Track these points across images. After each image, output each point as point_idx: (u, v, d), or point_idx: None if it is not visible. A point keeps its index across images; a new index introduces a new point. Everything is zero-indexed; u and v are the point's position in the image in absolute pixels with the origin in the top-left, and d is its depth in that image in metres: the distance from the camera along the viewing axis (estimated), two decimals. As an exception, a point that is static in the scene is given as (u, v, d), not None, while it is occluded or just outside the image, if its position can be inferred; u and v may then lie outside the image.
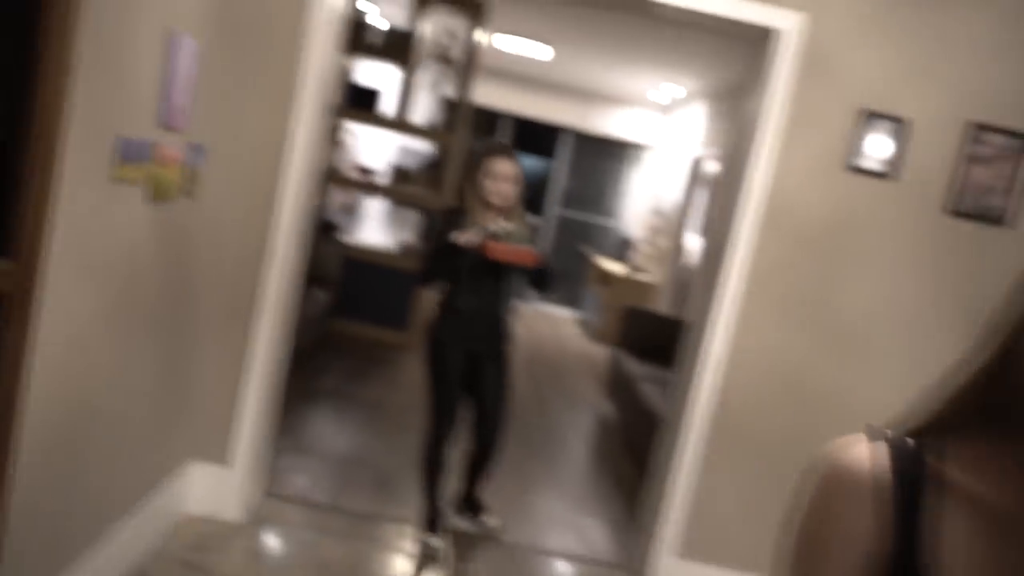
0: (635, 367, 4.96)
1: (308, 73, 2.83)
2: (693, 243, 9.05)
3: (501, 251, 2.78)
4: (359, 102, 5.83)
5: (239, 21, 2.78)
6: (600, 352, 7.65)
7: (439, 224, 2.97)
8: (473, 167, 2.93)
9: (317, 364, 5.19)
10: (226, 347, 2.99)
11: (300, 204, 2.94)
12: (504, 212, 2.91)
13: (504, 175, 2.87)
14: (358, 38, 5.68)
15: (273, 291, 2.96)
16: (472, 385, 3.03)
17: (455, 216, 2.91)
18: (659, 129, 9.46)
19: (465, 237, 2.78)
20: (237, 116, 2.84)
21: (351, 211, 8.32)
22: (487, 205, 2.88)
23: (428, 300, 5.10)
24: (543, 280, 2.99)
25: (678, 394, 3.18)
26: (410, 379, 5.25)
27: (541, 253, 2.90)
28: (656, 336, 5.42)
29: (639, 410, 4.58)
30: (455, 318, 2.95)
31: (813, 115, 2.98)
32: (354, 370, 5.33)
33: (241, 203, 2.90)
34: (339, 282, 5.54)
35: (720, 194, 5.82)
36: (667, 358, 5.26)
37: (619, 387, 5.21)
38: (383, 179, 6.31)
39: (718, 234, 3.16)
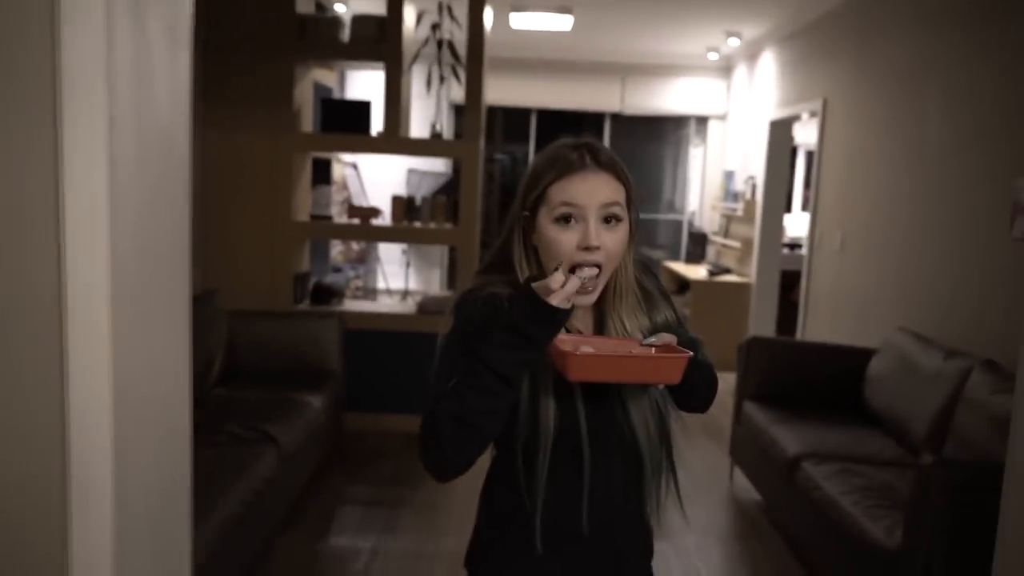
0: (785, 435, 3.36)
1: (79, 63, 1.36)
2: (799, 223, 7.40)
3: (605, 366, 1.18)
4: (345, 121, 4.41)
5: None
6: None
7: (473, 323, 1.26)
8: (525, 200, 1.30)
9: (338, 479, 3.76)
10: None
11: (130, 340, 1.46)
12: (594, 289, 1.27)
13: (593, 207, 1.24)
14: (320, 37, 4.24)
15: None
16: None
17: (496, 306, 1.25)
18: (721, 95, 7.82)
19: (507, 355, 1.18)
20: None
21: (363, 260, 6.89)
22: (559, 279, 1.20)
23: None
24: (696, 390, 1.38)
25: None
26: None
27: (688, 338, 1.33)
28: (795, 373, 3.82)
29: (798, 490, 3.02)
30: (524, 555, 1.29)
31: None
32: (389, 472, 3.89)
33: None
34: (343, 368, 4.09)
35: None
36: (825, 406, 3.66)
37: (756, 455, 3.63)
38: (384, 218, 4.83)
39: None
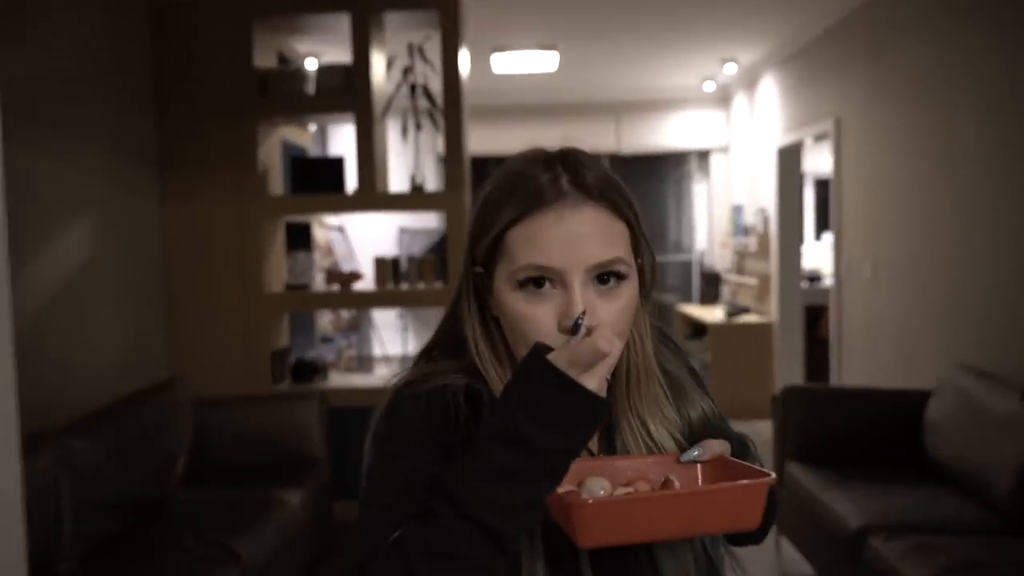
0: (841, 501, 2.86)
1: None
2: (815, 255, 6.92)
3: (640, 516, 0.70)
4: (318, 181, 4.02)
5: None
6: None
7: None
8: (475, 250, 0.86)
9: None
10: None
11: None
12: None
13: (577, 268, 0.78)
14: (283, 92, 3.88)
15: None
16: None
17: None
18: (721, 126, 7.47)
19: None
20: None
21: (356, 327, 6.47)
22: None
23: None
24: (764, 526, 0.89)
25: None
26: None
27: (737, 440, 0.90)
28: (841, 425, 3.34)
29: (867, 572, 2.51)
30: None
31: None
32: None
33: None
34: (329, 453, 3.62)
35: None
36: (880, 462, 3.17)
37: (808, 525, 3.12)
38: (368, 282, 4.41)
39: None
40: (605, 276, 0.80)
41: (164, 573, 2.35)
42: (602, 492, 0.77)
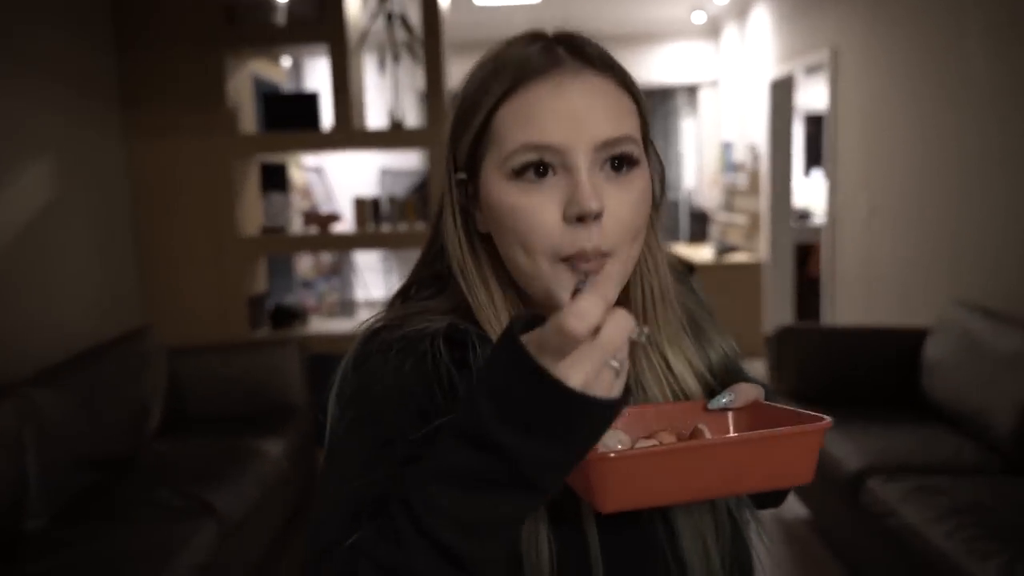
0: (839, 443, 2.77)
1: None
2: (805, 192, 6.73)
3: (672, 472, 0.57)
4: (292, 118, 3.81)
5: None
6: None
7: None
8: (457, 149, 0.70)
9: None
10: None
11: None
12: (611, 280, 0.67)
13: (583, 145, 0.64)
14: (252, 21, 3.65)
15: None
16: None
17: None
18: (711, 59, 7.25)
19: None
20: None
21: (337, 271, 6.31)
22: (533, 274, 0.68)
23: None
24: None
25: None
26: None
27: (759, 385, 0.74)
28: (838, 365, 3.25)
29: (865, 515, 2.45)
30: None
31: None
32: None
33: None
34: (311, 400, 3.50)
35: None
36: (878, 403, 3.09)
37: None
38: (347, 224, 4.24)
39: None
40: (616, 161, 0.66)
41: (136, 528, 2.25)
42: (619, 446, 0.65)
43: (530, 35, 0.69)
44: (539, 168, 0.64)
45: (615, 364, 0.51)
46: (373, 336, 0.71)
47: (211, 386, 3.40)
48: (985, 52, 3.10)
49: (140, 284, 3.71)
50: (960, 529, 2.09)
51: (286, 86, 5.56)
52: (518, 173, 0.65)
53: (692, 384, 0.74)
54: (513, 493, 0.53)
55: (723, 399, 0.70)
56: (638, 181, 0.67)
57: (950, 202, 3.39)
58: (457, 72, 4.91)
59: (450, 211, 0.72)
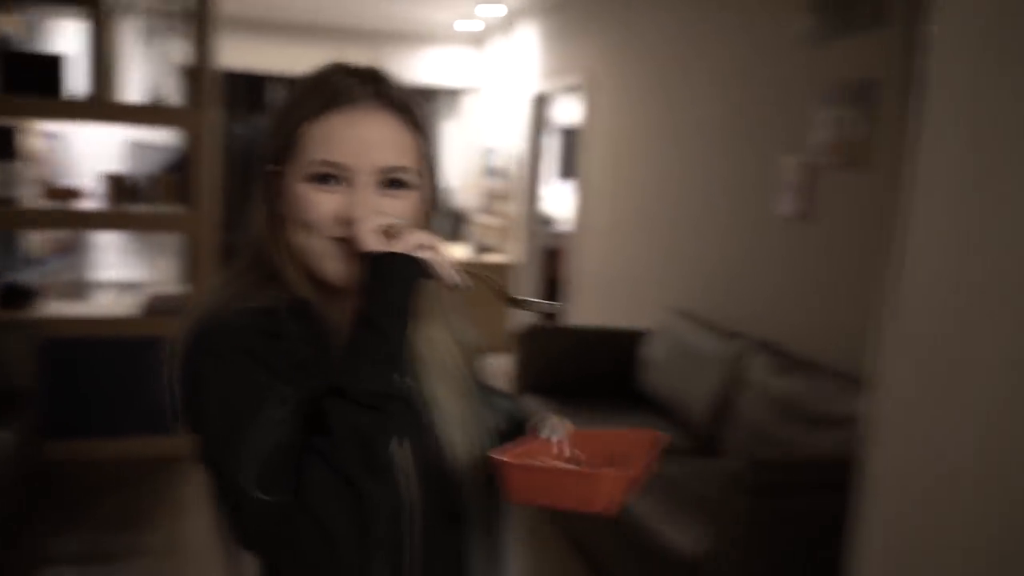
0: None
1: None
2: (557, 201, 7.24)
3: (542, 484, 0.86)
4: (29, 80, 3.49)
5: None
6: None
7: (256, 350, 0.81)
8: (271, 147, 0.86)
9: (40, 529, 2.98)
10: None
11: None
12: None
13: (365, 169, 0.83)
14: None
15: None
16: None
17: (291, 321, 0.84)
18: (475, 67, 7.57)
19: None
20: None
21: (70, 249, 5.81)
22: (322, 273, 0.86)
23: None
24: None
25: None
26: (202, 502, 3.14)
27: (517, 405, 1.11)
28: (572, 360, 3.64)
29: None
30: None
31: None
32: (112, 513, 3.16)
33: None
34: (42, 387, 3.26)
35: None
36: (601, 393, 3.51)
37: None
38: (97, 200, 3.97)
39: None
40: (391, 182, 0.84)
41: None
42: (555, 437, 0.93)
43: (352, 68, 0.86)
44: (327, 178, 0.82)
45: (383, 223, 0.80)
46: (212, 318, 0.81)
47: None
48: (711, 95, 3.63)
49: None
50: (659, 503, 2.48)
51: (24, 44, 5.03)
52: (313, 179, 0.82)
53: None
54: (384, 338, 0.78)
55: (550, 432, 0.96)
56: (407, 200, 0.86)
57: (675, 222, 3.92)
58: (230, 50, 4.71)
59: (263, 202, 0.87)
